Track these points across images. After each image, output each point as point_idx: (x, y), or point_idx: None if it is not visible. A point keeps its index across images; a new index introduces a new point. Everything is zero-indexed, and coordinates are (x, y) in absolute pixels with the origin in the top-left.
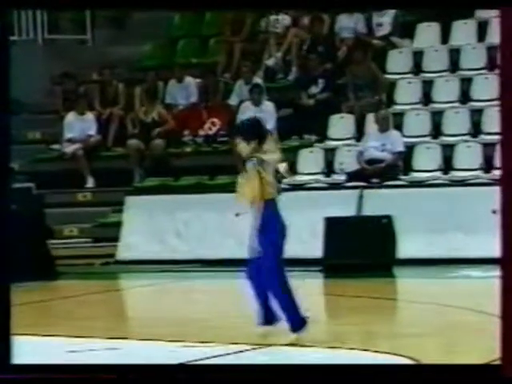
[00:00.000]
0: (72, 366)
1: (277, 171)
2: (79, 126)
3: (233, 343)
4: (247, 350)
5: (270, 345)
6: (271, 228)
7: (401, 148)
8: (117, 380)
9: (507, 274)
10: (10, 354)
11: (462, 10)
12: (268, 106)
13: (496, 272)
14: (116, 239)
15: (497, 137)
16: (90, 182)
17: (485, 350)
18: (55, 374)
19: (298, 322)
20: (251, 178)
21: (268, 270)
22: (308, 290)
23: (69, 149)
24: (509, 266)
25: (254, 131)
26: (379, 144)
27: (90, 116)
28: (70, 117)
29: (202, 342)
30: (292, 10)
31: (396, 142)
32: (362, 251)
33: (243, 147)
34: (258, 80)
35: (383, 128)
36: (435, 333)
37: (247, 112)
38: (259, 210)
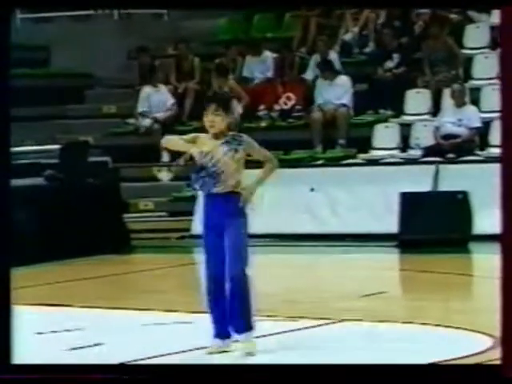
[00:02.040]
0: (72, 366)
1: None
2: (155, 100)
3: (304, 317)
4: (320, 325)
5: (342, 320)
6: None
7: (477, 123)
8: (117, 380)
9: (507, 276)
10: (9, 354)
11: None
12: (343, 80)
13: None
14: (191, 213)
15: None
16: (166, 157)
17: None
18: (55, 374)
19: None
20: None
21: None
22: (383, 265)
23: (144, 123)
24: (508, 270)
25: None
26: (455, 119)
27: (165, 90)
28: (146, 90)
29: (269, 316)
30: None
31: (473, 117)
32: (438, 227)
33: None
34: (331, 55)
35: (459, 103)
36: None
37: (322, 87)
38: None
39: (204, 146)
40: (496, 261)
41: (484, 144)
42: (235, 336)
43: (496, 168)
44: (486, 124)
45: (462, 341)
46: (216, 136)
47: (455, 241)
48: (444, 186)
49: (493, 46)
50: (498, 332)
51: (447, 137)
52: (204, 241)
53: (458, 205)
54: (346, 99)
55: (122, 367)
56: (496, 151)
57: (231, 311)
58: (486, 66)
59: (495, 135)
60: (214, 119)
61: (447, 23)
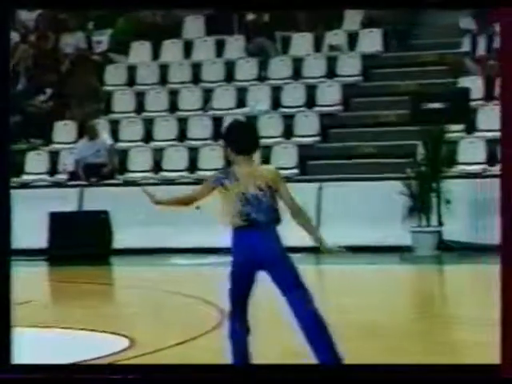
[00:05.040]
0: (72, 366)
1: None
2: None
3: None
4: None
5: None
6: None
7: (106, 152)
8: (116, 380)
9: (506, 279)
10: (9, 354)
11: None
12: None
13: (200, 260)
14: None
15: (202, 142)
16: None
17: (193, 326)
18: (55, 374)
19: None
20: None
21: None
22: (35, 276)
23: None
24: (507, 274)
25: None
26: (94, 150)
27: None
28: None
29: None
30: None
31: (106, 147)
32: (83, 242)
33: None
34: None
35: (92, 136)
36: (150, 313)
37: None
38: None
39: None
40: (135, 272)
41: (123, 169)
42: None
43: (134, 190)
44: (124, 152)
45: (103, 342)
46: None
47: (98, 255)
48: (88, 207)
49: (129, 83)
50: (136, 335)
51: (90, 166)
52: None
53: (100, 223)
54: None
55: (122, 367)
56: (133, 175)
57: None
58: (123, 102)
59: (132, 162)
60: None
61: (90, 63)
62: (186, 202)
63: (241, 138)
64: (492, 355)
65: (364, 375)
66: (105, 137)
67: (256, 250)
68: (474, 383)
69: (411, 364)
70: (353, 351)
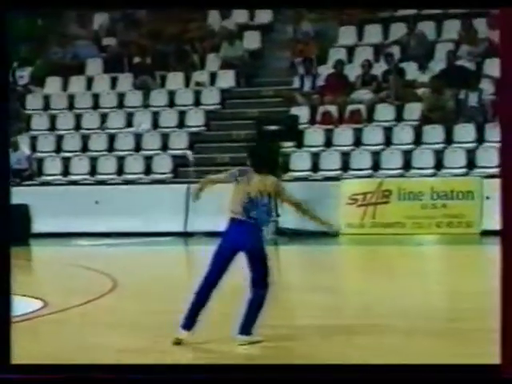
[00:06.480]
0: (72, 366)
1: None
2: None
3: None
4: None
5: None
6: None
7: (31, 161)
8: (117, 380)
9: (506, 277)
10: (9, 354)
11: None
12: None
13: (97, 241)
14: None
15: (100, 153)
16: None
17: (93, 291)
18: (55, 374)
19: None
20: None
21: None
22: None
23: None
24: (508, 270)
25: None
26: (16, 160)
27: None
28: None
29: None
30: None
31: (25, 156)
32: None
33: None
34: None
35: (14, 149)
36: (60, 281)
37: None
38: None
39: None
40: (50, 252)
41: (39, 173)
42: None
43: (47, 189)
44: (41, 160)
45: (22, 303)
46: None
47: (20, 237)
48: (12, 201)
49: (45, 108)
50: (51, 298)
51: (13, 171)
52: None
53: (21, 213)
54: None
55: (122, 367)
56: (46, 178)
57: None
58: (39, 122)
59: (46, 168)
60: None
61: (15, 93)
62: (213, 183)
63: (256, 158)
64: (316, 313)
65: (364, 375)
66: (24, 149)
67: (243, 241)
68: (474, 383)
69: (411, 364)
70: (219, 312)
